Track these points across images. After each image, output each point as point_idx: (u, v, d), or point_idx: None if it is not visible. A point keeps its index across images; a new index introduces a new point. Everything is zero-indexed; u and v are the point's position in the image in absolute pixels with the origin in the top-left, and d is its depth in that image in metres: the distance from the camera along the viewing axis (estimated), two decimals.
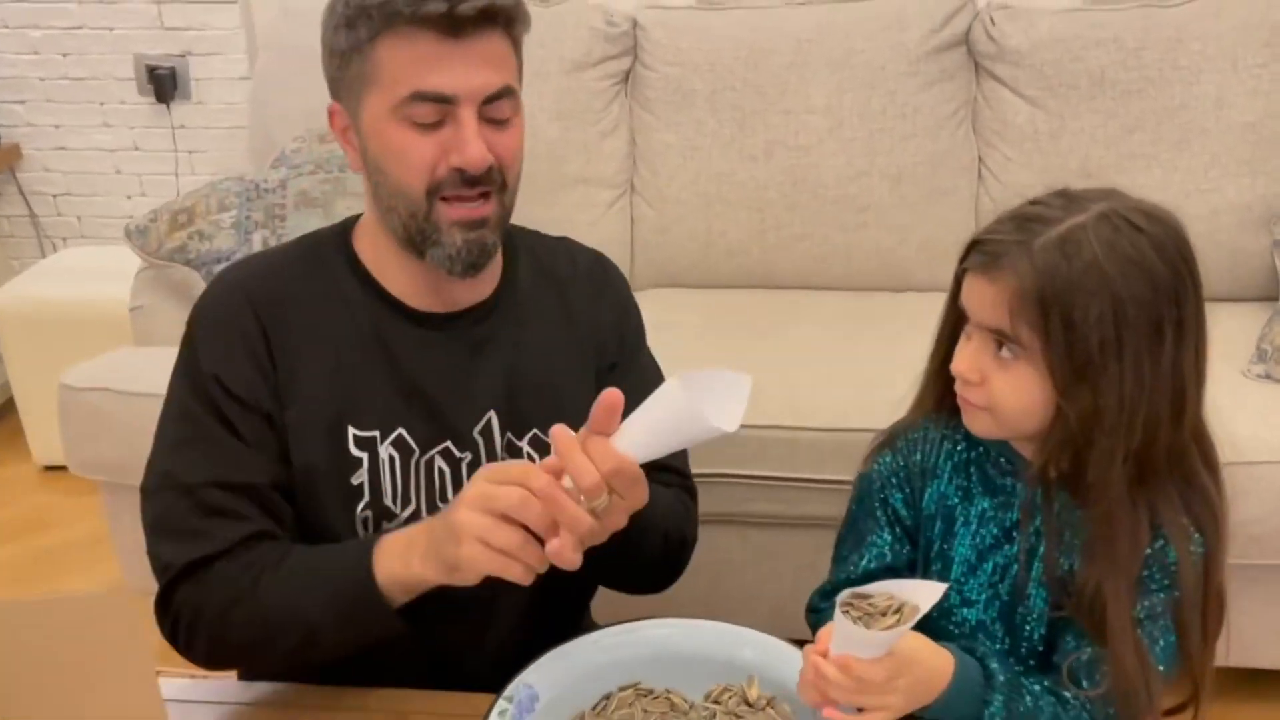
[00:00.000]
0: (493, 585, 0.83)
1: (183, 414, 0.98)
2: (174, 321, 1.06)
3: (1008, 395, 0.89)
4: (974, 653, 0.87)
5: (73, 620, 0.76)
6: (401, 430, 1.00)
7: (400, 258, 1.00)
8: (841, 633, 0.78)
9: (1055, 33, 2.06)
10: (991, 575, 0.97)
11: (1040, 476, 0.91)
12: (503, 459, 1.04)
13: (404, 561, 0.88)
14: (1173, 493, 0.90)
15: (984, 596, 0.97)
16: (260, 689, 0.98)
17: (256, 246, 1.91)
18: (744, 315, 2.02)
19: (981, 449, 0.98)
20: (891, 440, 1.03)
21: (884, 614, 0.79)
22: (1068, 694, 0.88)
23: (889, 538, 1.01)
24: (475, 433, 1.03)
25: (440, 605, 0.90)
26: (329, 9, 0.95)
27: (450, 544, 0.82)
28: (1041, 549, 0.93)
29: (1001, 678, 0.85)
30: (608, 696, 0.92)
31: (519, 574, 0.81)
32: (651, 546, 1.01)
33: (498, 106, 0.94)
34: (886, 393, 1.67)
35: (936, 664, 0.83)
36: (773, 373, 1.72)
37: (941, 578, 0.97)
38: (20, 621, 0.78)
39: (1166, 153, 2.01)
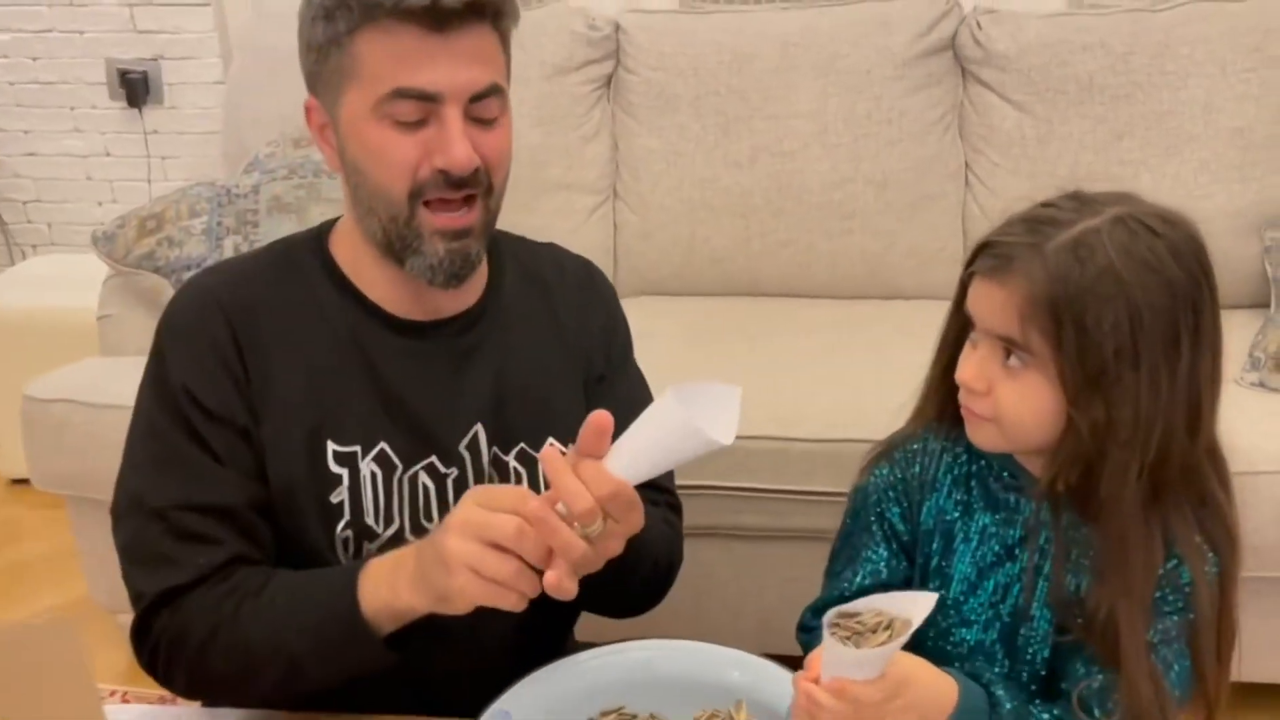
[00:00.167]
0: (479, 611, 0.80)
1: (151, 431, 0.93)
2: (143, 330, 1.02)
3: (1015, 406, 0.85)
4: (979, 678, 0.83)
5: (14, 650, 0.71)
6: (383, 445, 0.95)
7: (380, 263, 0.96)
8: (831, 655, 0.75)
9: (1042, 37, 2.05)
10: (992, 595, 0.93)
11: (1048, 492, 0.87)
12: (489, 474, 1.00)
13: (391, 589, 0.84)
14: (1187, 510, 0.86)
15: (984, 617, 0.93)
16: (225, 716, 0.94)
17: (228, 253, 1.86)
18: (728, 323, 2.00)
19: (983, 462, 0.95)
20: (889, 451, 1.00)
21: (874, 631, 0.75)
22: None
23: (884, 553, 0.97)
24: (461, 447, 0.98)
25: (424, 631, 0.86)
26: (306, 0, 0.91)
27: (440, 573, 0.78)
28: (1047, 568, 0.89)
29: (1009, 705, 0.82)
30: None
31: (513, 603, 0.78)
32: (643, 573, 0.98)
33: (484, 105, 0.90)
34: (875, 402, 1.66)
35: (938, 687, 0.79)
36: (758, 382, 1.70)
37: (940, 596, 0.93)
38: None
39: (1155, 158, 1.99)
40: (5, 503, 2.50)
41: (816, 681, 0.75)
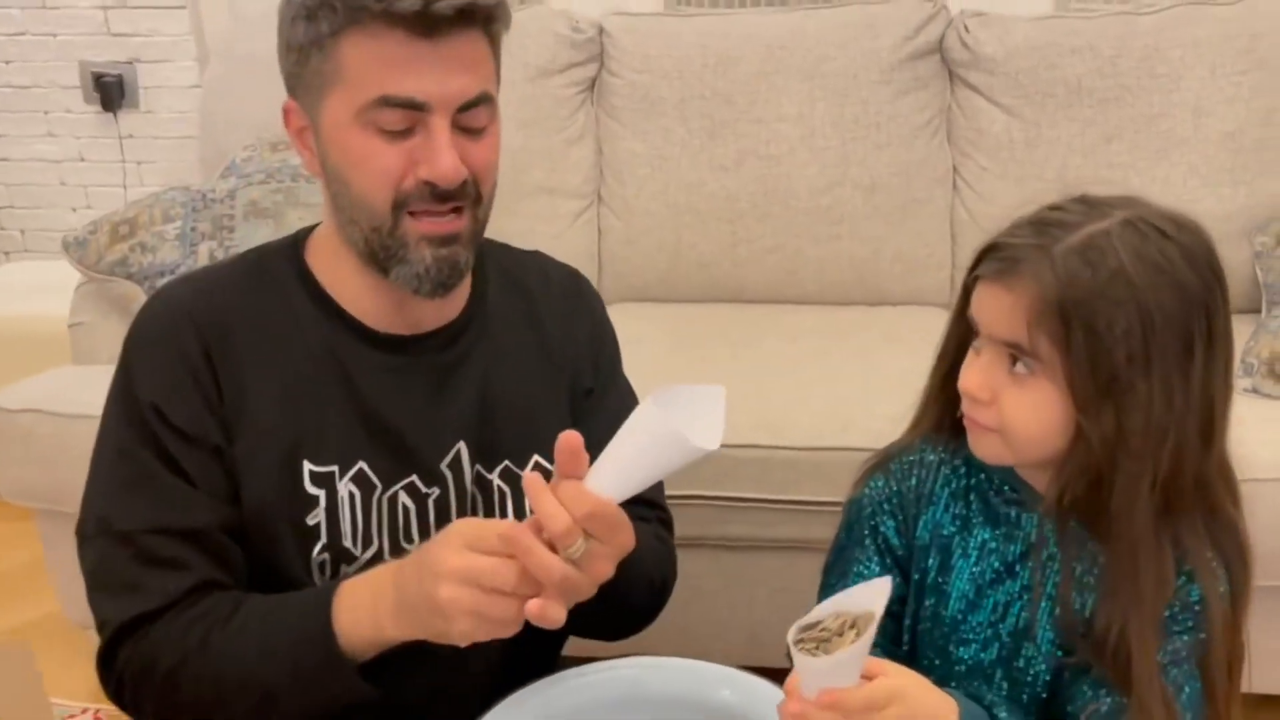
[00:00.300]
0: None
1: (119, 451, 0.89)
2: (115, 338, 0.99)
3: (1022, 416, 0.82)
4: (981, 700, 0.80)
5: None
6: (362, 464, 0.92)
7: (361, 273, 0.92)
8: (808, 671, 0.72)
9: (1030, 40, 2.03)
10: (991, 613, 0.90)
11: (1055, 507, 0.84)
12: (472, 494, 0.96)
13: (374, 624, 0.80)
14: (1198, 524, 0.84)
15: (982, 636, 0.90)
16: None
17: (203, 259, 1.82)
18: (715, 330, 1.97)
19: (983, 475, 0.91)
20: (884, 463, 0.97)
21: (840, 634, 0.72)
22: None
23: (877, 569, 0.94)
24: (443, 466, 0.95)
25: (405, 654, 0.83)
26: None
27: (437, 620, 0.76)
28: (1050, 586, 0.86)
29: None
30: None
31: (513, 631, 0.76)
32: (638, 596, 0.95)
33: (473, 114, 0.86)
34: (863, 409, 1.66)
35: (935, 704, 0.76)
36: (745, 389, 1.67)
37: (936, 614, 0.90)
38: None
39: (1145, 162, 1.97)
40: None
41: (798, 711, 0.71)
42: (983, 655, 0.90)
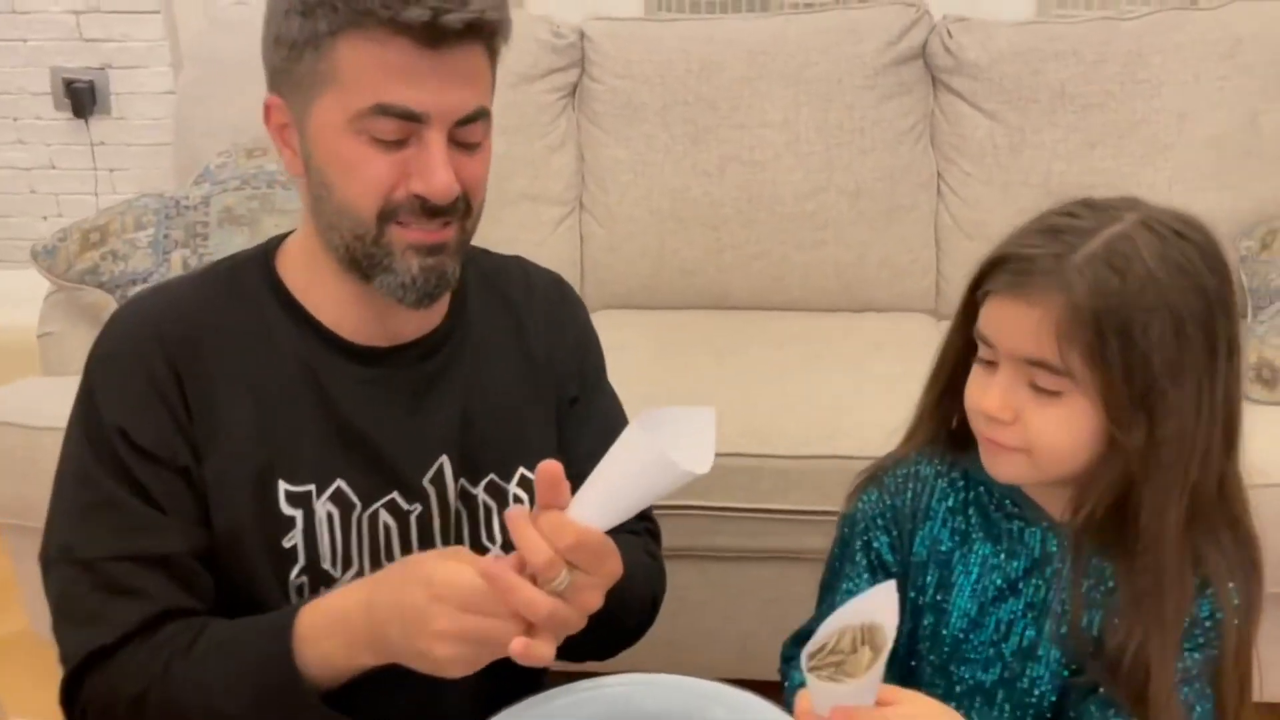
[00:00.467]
0: None
1: (82, 476, 0.85)
2: (85, 349, 0.96)
3: (1051, 433, 0.78)
4: None
5: None
6: (340, 483, 0.88)
7: (338, 282, 0.88)
8: (825, 696, 0.69)
9: (1013, 45, 2.02)
10: (994, 632, 0.87)
11: (1083, 523, 0.80)
12: (456, 509, 0.93)
13: (346, 654, 0.78)
14: (1219, 538, 0.81)
15: (984, 655, 0.87)
16: None
17: (176, 267, 1.79)
18: (699, 337, 1.95)
19: (982, 488, 0.89)
20: (877, 477, 0.94)
21: (853, 651, 0.69)
22: None
23: (867, 586, 0.89)
24: (425, 481, 0.91)
25: (384, 677, 0.79)
26: None
27: (426, 664, 0.74)
28: (1056, 604, 0.83)
29: None
30: None
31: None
32: (631, 618, 0.93)
33: (470, 129, 0.84)
34: (852, 416, 1.64)
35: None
36: (732, 397, 1.66)
37: (936, 633, 0.88)
38: None
39: (1129, 167, 1.97)
40: None
41: None
42: (984, 675, 0.87)
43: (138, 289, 1.77)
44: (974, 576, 0.87)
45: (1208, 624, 0.81)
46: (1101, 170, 1.98)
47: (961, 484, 0.89)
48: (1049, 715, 0.86)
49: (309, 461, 0.87)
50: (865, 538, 0.92)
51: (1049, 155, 2.00)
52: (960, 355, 0.85)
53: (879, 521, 0.91)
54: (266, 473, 0.86)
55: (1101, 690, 0.81)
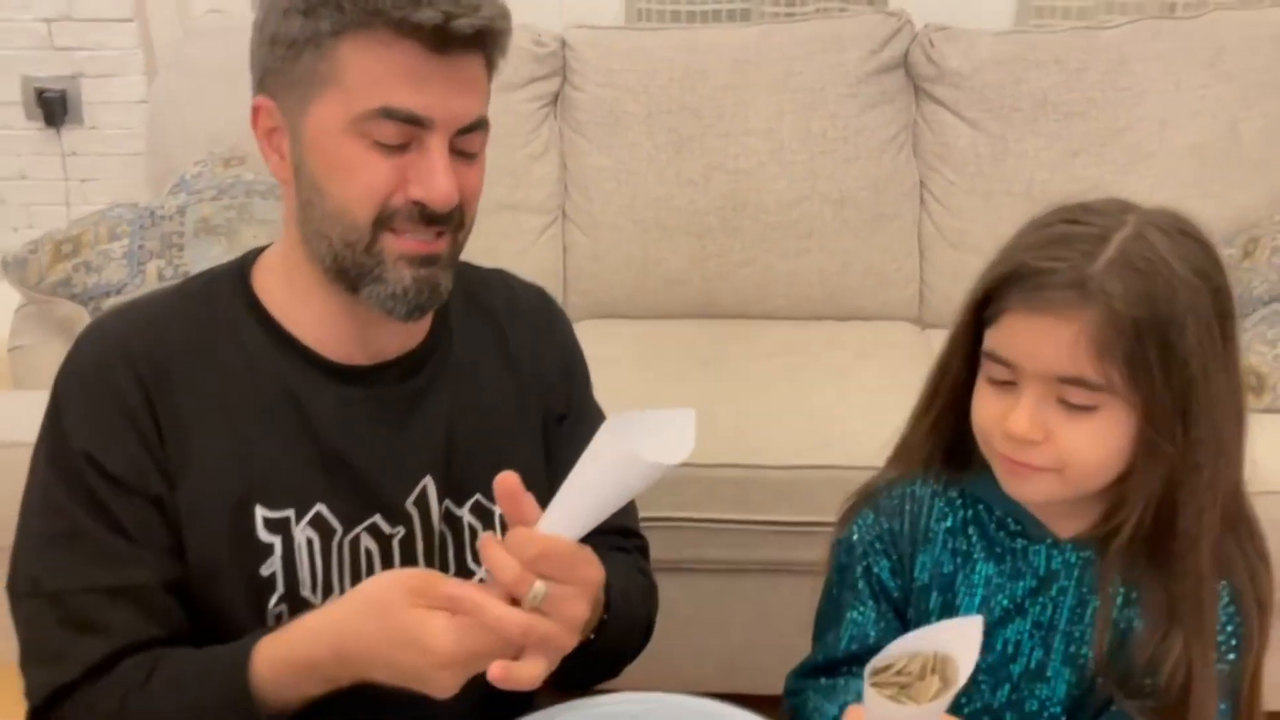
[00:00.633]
0: None
1: (49, 504, 0.82)
2: (57, 363, 0.93)
3: (1086, 449, 0.75)
4: None
5: None
6: (320, 507, 0.85)
7: (320, 296, 0.86)
8: (883, 713, 0.66)
9: (995, 54, 2.03)
10: (1001, 653, 0.85)
11: (1130, 538, 0.78)
12: (440, 532, 0.91)
13: (316, 692, 0.77)
14: (1241, 541, 0.80)
15: (992, 678, 0.85)
16: None
17: (150, 279, 1.75)
18: (684, 347, 1.93)
19: (981, 507, 0.86)
20: (871, 499, 0.91)
21: (921, 678, 0.68)
22: None
23: (872, 614, 0.88)
24: (409, 503, 0.89)
25: (371, 699, 0.77)
26: None
27: (419, 684, 0.73)
28: (1063, 623, 0.82)
29: None
30: None
31: None
32: (633, 640, 0.91)
33: (470, 139, 0.83)
34: (840, 426, 1.63)
35: None
36: (718, 407, 1.64)
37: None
38: None
39: (1112, 175, 1.97)
40: None
41: None
42: (991, 698, 0.85)
43: (111, 301, 1.74)
44: (978, 598, 0.85)
45: (1230, 629, 0.80)
46: (1084, 178, 1.98)
47: (960, 503, 0.87)
48: None
49: (287, 486, 0.85)
50: (865, 563, 0.89)
51: (1032, 164, 2.00)
52: (960, 376, 0.83)
53: (877, 546, 0.89)
54: (243, 498, 0.84)
55: (1114, 708, 0.79)
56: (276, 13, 0.80)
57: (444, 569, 0.91)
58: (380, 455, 0.88)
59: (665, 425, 0.68)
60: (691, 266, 2.05)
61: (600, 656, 0.84)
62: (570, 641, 0.72)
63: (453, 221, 0.84)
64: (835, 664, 0.88)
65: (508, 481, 0.71)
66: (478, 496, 0.92)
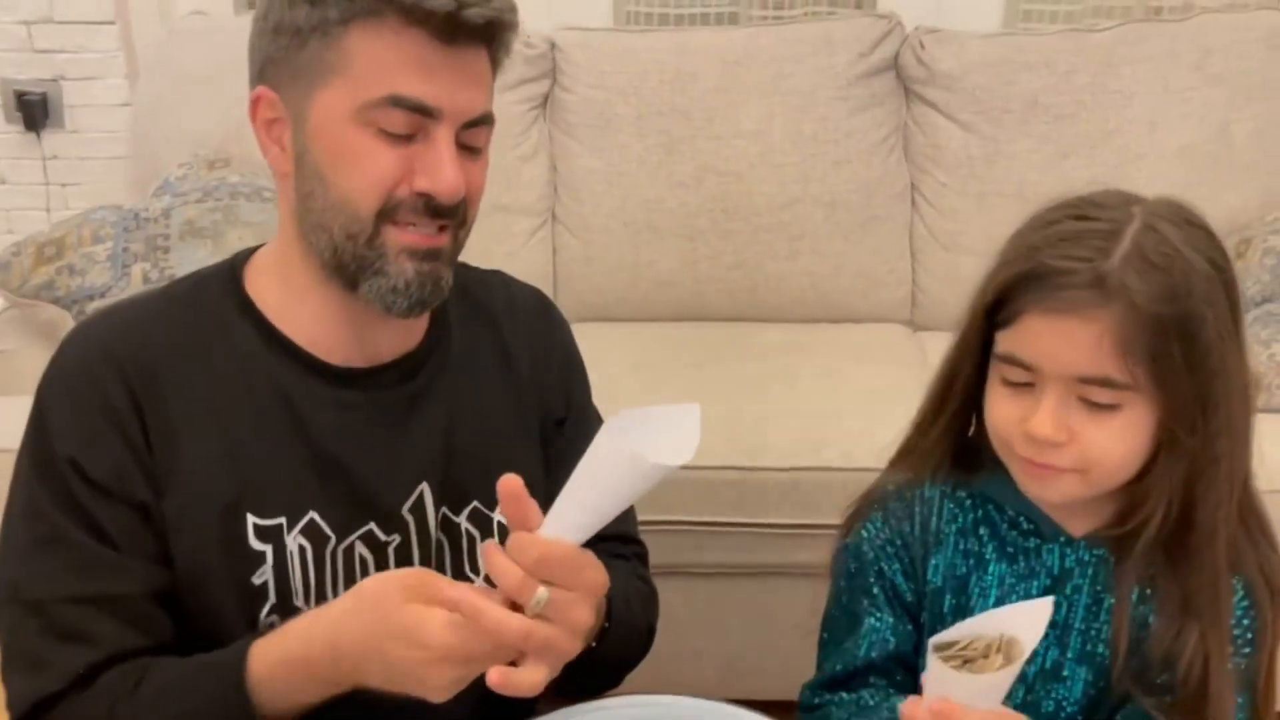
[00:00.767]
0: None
1: (32, 511, 0.80)
2: (41, 367, 0.92)
3: (1107, 448, 0.75)
4: None
5: None
6: (314, 514, 0.84)
7: (316, 295, 0.84)
8: (946, 683, 0.66)
9: (985, 56, 2.03)
10: None
11: (1156, 535, 0.77)
12: (437, 539, 0.89)
13: (312, 695, 0.75)
14: (1254, 532, 0.79)
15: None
16: None
17: (135, 282, 1.73)
18: (677, 349, 1.92)
19: (991, 506, 0.85)
20: (879, 503, 0.89)
21: (986, 656, 0.67)
22: None
23: (890, 619, 0.86)
24: (404, 510, 0.87)
25: (366, 705, 0.75)
26: None
27: (417, 687, 0.71)
28: (1078, 621, 0.81)
29: None
30: None
31: None
32: (636, 649, 0.90)
33: (476, 133, 0.82)
34: (837, 428, 1.62)
35: None
36: (711, 409, 1.58)
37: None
38: None
39: (1103, 177, 1.98)
40: None
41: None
42: (1005, 702, 0.83)
43: (96, 304, 1.71)
44: (992, 598, 0.84)
45: (1245, 623, 0.79)
46: (1075, 180, 1.96)
47: (969, 504, 0.86)
48: None
49: (279, 493, 0.83)
50: (877, 568, 0.87)
51: (1023, 165, 2.00)
52: (970, 380, 0.81)
53: (888, 550, 0.87)
54: (233, 506, 0.82)
55: (1130, 705, 0.79)
56: (281, 1, 0.79)
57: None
58: (376, 460, 0.86)
59: (669, 422, 0.67)
60: (683, 269, 2.05)
61: (601, 665, 0.83)
62: (573, 647, 0.71)
63: (456, 216, 0.82)
64: (855, 673, 0.87)
65: (511, 484, 0.69)
66: (475, 503, 0.90)
